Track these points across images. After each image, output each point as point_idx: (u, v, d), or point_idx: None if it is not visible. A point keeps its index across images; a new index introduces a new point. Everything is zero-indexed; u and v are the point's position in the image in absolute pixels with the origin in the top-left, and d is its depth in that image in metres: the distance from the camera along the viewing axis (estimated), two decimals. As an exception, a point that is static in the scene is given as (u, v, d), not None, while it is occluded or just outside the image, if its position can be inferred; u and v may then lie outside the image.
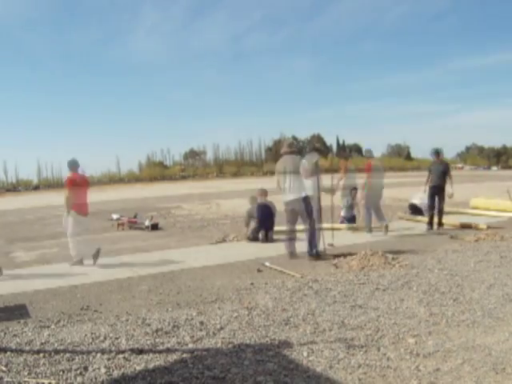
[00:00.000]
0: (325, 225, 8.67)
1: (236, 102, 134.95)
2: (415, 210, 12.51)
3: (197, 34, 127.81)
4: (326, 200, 8.74)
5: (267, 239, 9.25)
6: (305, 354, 3.71)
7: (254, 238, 9.33)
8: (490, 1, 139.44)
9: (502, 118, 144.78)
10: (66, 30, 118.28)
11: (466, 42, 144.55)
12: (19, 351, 3.88)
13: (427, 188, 10.63)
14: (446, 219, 10.63)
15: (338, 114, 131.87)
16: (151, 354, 3.75)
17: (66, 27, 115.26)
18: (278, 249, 8.34)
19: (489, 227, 9.91)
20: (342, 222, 11.03)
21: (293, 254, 7.64)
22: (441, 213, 10.34)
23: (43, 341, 4.09)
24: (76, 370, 3.46)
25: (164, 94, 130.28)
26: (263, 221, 9.35)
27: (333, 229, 9.14)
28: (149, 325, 4.46)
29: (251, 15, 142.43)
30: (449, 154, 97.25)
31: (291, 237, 7.82)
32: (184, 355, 3.74)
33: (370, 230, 9.89)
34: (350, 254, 7.34)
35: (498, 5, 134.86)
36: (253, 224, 9.43)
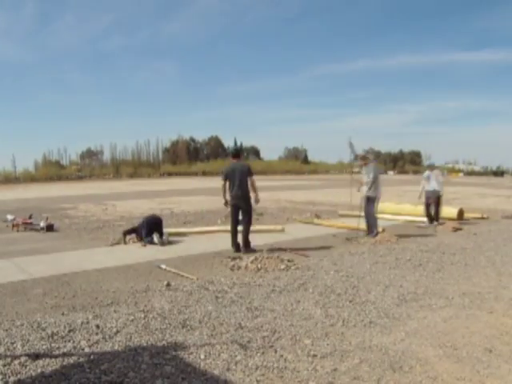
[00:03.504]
0: None
1: (105, 102, 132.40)
2: None
3: (53, 36, 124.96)
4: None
5: (162, 242, 9.31)
6: (202, 356, 3.78)
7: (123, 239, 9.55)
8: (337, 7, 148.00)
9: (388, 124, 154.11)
10: None
11: (328, 48, 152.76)
12: None
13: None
14: (342, 223, 11.16)
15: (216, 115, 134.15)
16: (47, 359, 3.73)
17: None
18: (174, 251, 8.47)
19: (384, 230, 10.12)
20: None
21: None
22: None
23: None
24: (-32, 377, 3.37)
25: (34, 95, 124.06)
26: (152, 229, 9.47)
27: None
28: (44, 329, 4.41)
29: (101, 18, 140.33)
30: (346, 159, 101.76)
31: None
32: (81, 360, 3.73)
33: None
34: (248, 256, 7.52)
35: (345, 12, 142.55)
36: (132, 236, 9.67)
